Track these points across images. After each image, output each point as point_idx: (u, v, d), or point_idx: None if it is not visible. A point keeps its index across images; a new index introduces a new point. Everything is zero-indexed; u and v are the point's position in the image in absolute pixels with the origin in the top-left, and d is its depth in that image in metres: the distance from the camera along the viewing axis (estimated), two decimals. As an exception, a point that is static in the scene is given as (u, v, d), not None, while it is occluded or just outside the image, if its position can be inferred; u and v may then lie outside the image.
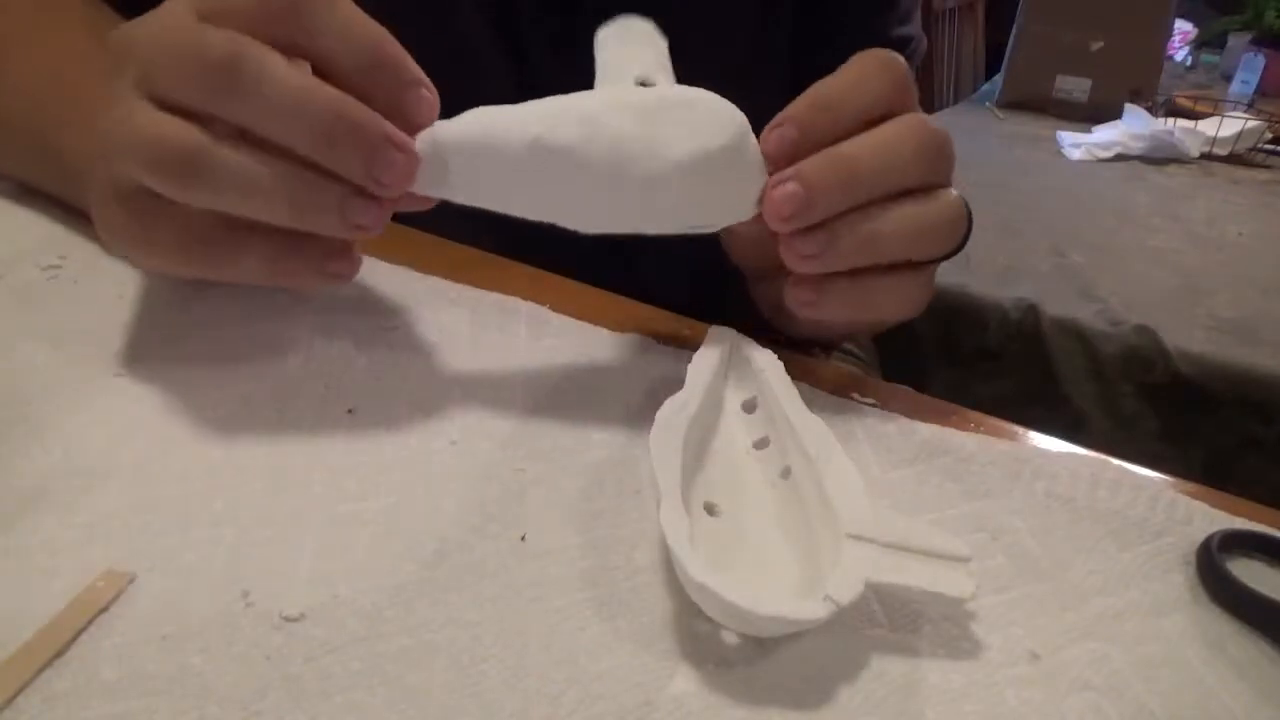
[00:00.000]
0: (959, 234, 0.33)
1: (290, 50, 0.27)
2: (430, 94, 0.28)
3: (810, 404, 0.30)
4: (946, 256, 0.33)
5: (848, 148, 0.30)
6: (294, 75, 0.26)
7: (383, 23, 0.29)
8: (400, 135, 0.27)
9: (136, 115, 0.27)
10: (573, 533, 0.28)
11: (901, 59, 0.32)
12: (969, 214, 0.34)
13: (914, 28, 0.61)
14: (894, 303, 0.33)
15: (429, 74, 0.29)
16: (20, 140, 0.39)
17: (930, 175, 0.32)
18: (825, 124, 0.31)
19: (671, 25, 0.34)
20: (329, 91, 0.27)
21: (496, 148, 0.29)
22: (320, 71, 0.28)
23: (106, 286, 0.36)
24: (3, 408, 0.30)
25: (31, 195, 0.42)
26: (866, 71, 0.32)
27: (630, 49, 0.34)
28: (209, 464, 0.29)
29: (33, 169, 0.40)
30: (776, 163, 0.31)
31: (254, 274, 0.30)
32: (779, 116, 0.31)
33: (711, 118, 0.30)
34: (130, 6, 0.34)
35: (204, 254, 0.29)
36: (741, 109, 0.31)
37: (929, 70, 2.08)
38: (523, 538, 0.28)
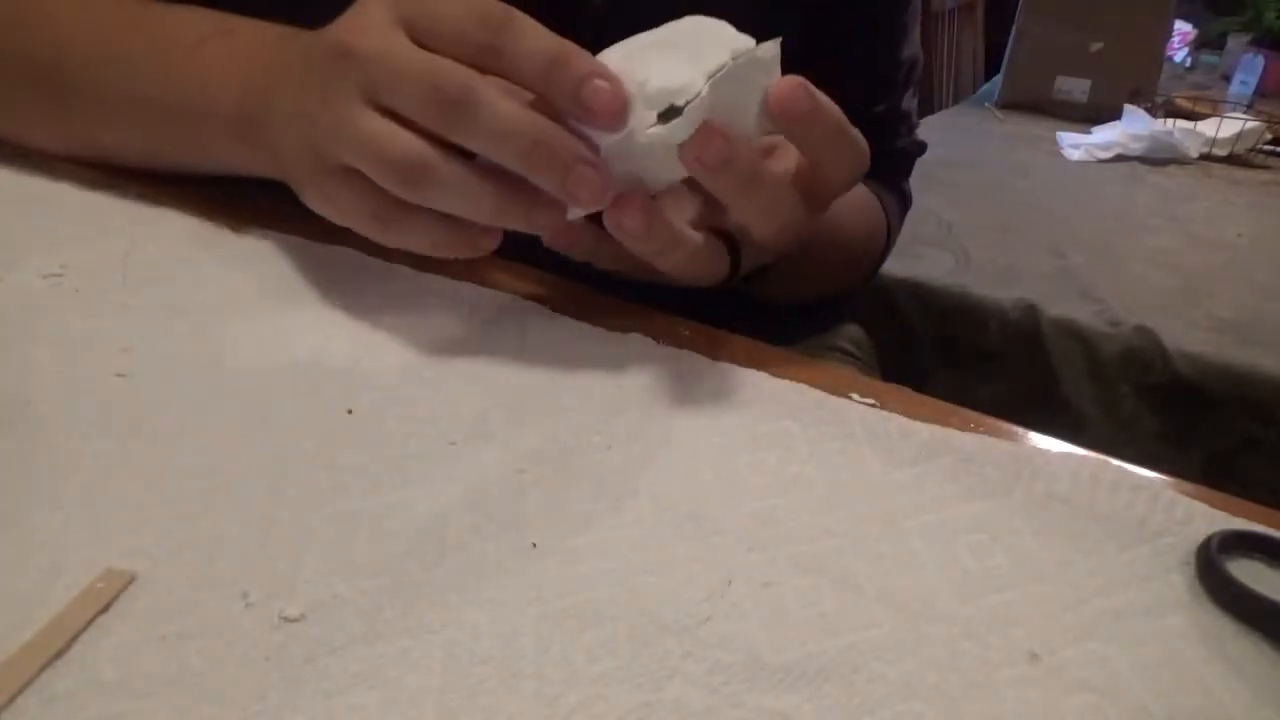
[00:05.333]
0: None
1: (486, 69, 0.31)
2: (605, 83, 0.31)
3: (809, 404, 0.30)
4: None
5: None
6: (508, 105, 0.31)
7: None
8: (590, 157, 0.32)
9: (364, 120, 0.32)
10: (572, 533, 0.28)
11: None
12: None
13: (915, 45, 0.61)
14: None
15: None
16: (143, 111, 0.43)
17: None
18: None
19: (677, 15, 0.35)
20: (534, 119, 0.31)
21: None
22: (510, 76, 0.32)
23: (107, 295, 0.36)
24: (3, 408, 0.30)
25: (34, 204, 0.42)
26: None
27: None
28: (209, 464, 0.29)
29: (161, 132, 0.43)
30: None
31: (419, 245, 0.34)
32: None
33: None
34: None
35: (383, 225, 0.34)
36: None
37: (929, 70, 2.08)
38: (534, 545, 0.28)
